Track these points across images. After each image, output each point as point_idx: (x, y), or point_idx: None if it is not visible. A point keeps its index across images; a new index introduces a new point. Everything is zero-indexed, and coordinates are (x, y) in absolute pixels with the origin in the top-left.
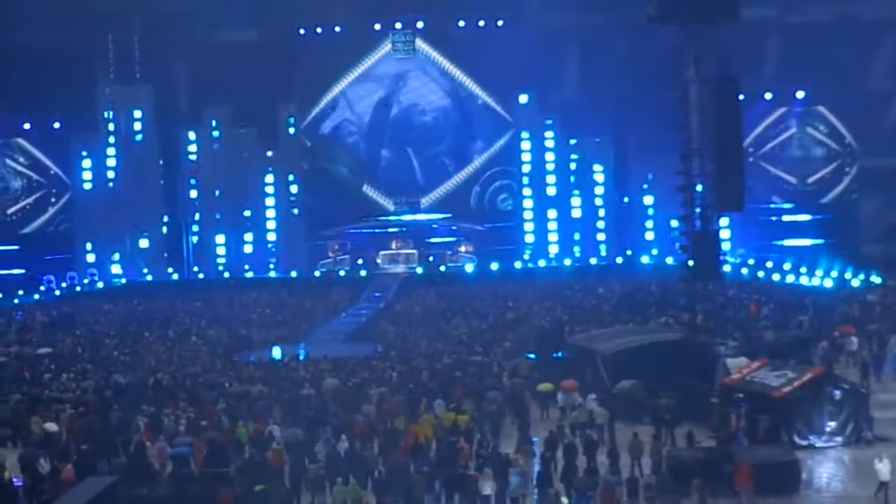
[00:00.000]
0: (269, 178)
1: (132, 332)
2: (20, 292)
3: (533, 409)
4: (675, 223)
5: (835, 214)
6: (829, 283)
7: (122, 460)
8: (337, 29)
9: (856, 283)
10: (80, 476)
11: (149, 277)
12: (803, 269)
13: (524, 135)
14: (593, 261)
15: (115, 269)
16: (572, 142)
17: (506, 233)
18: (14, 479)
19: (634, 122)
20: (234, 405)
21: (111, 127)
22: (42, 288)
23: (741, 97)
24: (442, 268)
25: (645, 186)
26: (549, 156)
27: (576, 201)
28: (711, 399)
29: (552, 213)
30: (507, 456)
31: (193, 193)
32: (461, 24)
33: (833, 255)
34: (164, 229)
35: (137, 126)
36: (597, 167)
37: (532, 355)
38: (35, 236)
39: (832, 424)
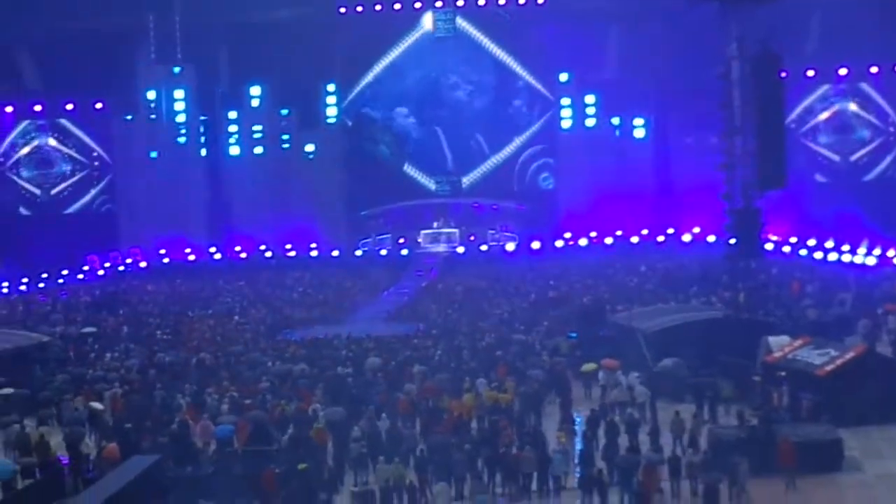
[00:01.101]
0: (310, 158)
1: (175, 311)
2: (64, 272)
3: (574, 387)
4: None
5: (877, 192)
6: (871, 261)
7: (165, 439)
8: (378, 7)
9: None
10: (124, 455)
11: (191, 257)
12: (846, 247)
13: (565, 113)
14: (635, 239)
15: (158, 249)
16: (614, 120)
17: (547, 211)
18: (60, 458)
19: (675, 100)
20: (277, 384)
21: (153, 107)
22: (85, 268)
23: (783, 74)
24: (483, 247)
25: (686, 164)
26: (590, 134)
27: (616, 179)
28: (754, 377)
29: (593, 192)
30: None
31: (235, 173)
32: (501, 2)
33: (876, 233)
34: (207, 209)
35: (179, 106)
36: (637, 145)
37: (573, 334)
38: (78, 217)
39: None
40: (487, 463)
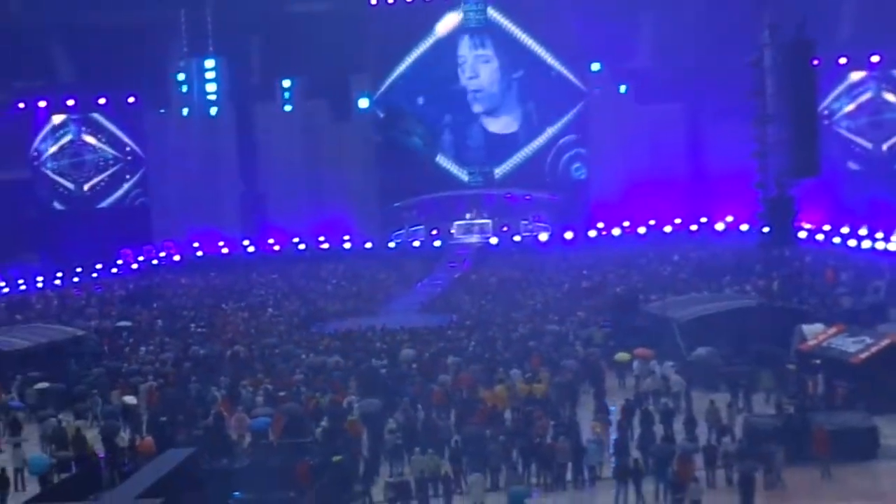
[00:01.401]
0: (343, 150)
1: (209, 304)
2: (98, 266)
3: (609, 377)
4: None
5: None
6: None
7: (200, 432)
8: None
9: None
10: (159, 448)
11: (225, 251)
12: (879, 235)
13: (597, 103)
14: (668, 229)
15: (192, 242)
16: (645, 109)
17: (580, 201)
18: (96, 451)
19: (708, 89)
20: (311, 376)
21: (185, 101)
22: (119, 262)
23: (815, 61)
24: (516, 237)
25: (719, 152)
26: (622, 123)
27: (649, 169)
28: (788, 366)
29: (626, 182)
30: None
31: (267, 165)
32: None
33: None
34: (240, 203)
35: (211, 99)
36: (670, 134)
37: (606, 324)
38: (111, 211)
39: None
40: (522, 453)
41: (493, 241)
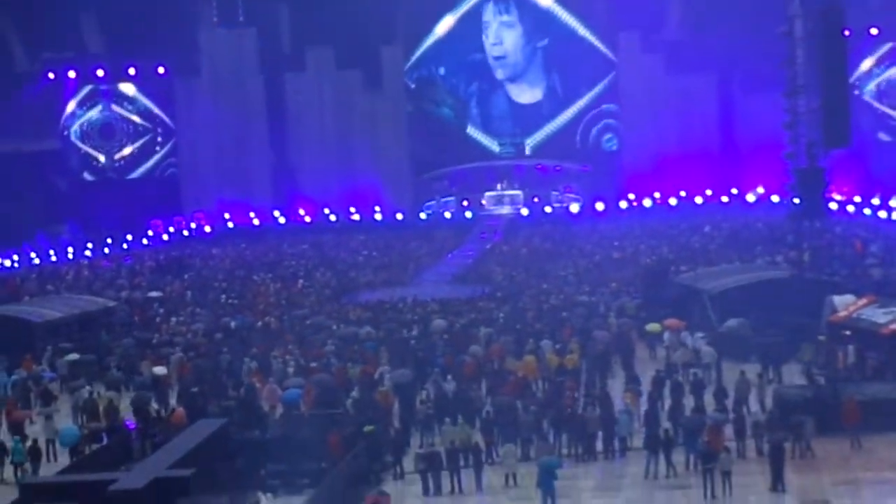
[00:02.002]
0: (374, 120)
1: (240, 276)
2: (128, 237)
3: (640, 348)
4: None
5: None
6: None
7: (232, 403)
8: None
9: None
10: (190, 419)
11: (256, 221)
12: None
13: (628, 73)
14: (699, 200)
15: (223, 213)
16: (676, 80)
17: (611, 172)
18: (127, 422)
19: (739, 59)
20: (342, 347)
21: (215, 70)
22: (150, 233)
23: (846, 32)
24: (547, 209)
25: (750, 123)
26: (653, 94)
27: (680, 140)
28: (819, 337)
29: (657, 153)
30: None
31: (298, 137)
32: None
33: None
34: (271, 173)
35: (242, 70)
36: (701, 105)
37: (637, 295)
38: (142, 181)
39: None
40: (553, 424)
41: (524, 212)
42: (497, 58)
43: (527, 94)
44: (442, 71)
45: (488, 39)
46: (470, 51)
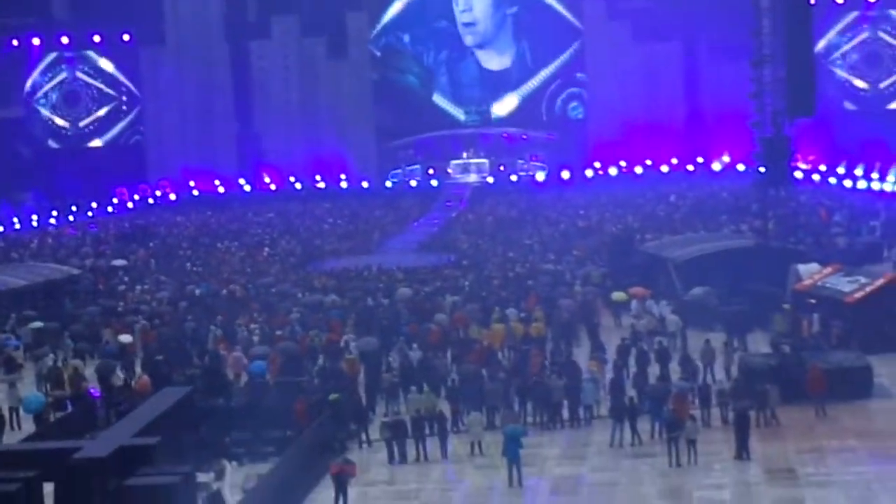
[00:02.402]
0: (339, 88)
1: (205, 244)
2: (93, 205)
3: (605, 317)
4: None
5: None
6: None
7: (197, 371)
8: None
9: None
10: (155, 387)
11: (221, 189)
12: (875, 175)
13: (594, 41)
14: (664, 168)
15: (188, 181)
16: (642, 48)
17: (577, 141)
18: (91, 390)
19: (705, 28)
20: (308, 315)
21: (180, 39)
22: (115, 201)
23: (812, 1)
24: (513, 177)
25: (716, 92)
26: (619, 62)
27: (646, 109)
28: (784, 305)
29: (623, 121)
30: (579, 364)
31: (263, 105)
32: None
33: None
34: (235, 141)
35: (207, 37)
36: (667, 74)
37: (603, 264)
38: (106, 149)
39: None
40: (518, 392)
41: (490, 180)
42: (466, 24)
43: (496, 61)
44: (407, 38)
45: (458, 6)
46: (436, 18)
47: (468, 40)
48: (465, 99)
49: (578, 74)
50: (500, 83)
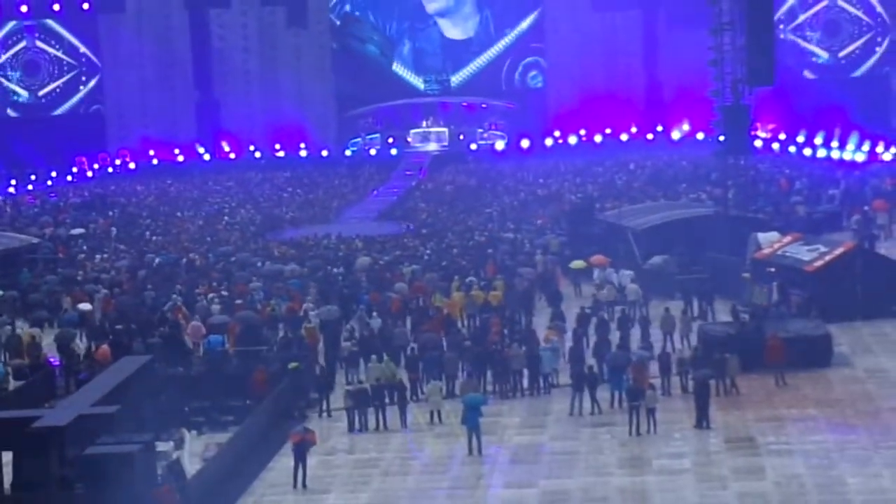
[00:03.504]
0: (299, 57)
1: (165, 212)
2: (52, 174)
3: (564, 286)
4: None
5: (866, 88)
6: (860, 158)
7: (156, 340)
8: None
9: (887, 156)
10: (115, 356)
11: (180, 158)
12: (835, 144)
13: (553, 10)
14: (624, 137)
15: (147, 150)
16: (602, 17)
17: (536, 110)
18: (50, 359)
19: None
20: (268, 284)
21: (139, 7)
22: (74, 170)
23: None
24: (473, 146)
25: (675, 61)
26: (579, 31)
27: (605, 77)
28: (743, 274)
29: (582, 90)
30: (539, 333)
31: (223, 73)
32: None
33: (864, 129)
34: (195, 109)
35: (167, 6)
36: (627, 42)
37: (562, 233)
38: (66, 118)
39: None
40: (477, 361)
41: (450, 149)
42: None
43: (458, 30)
44: (366, 7)
45: None
46: None
47: (430, 7)
48: (425, 68)
49: (521, 47)
50: (461, 52)
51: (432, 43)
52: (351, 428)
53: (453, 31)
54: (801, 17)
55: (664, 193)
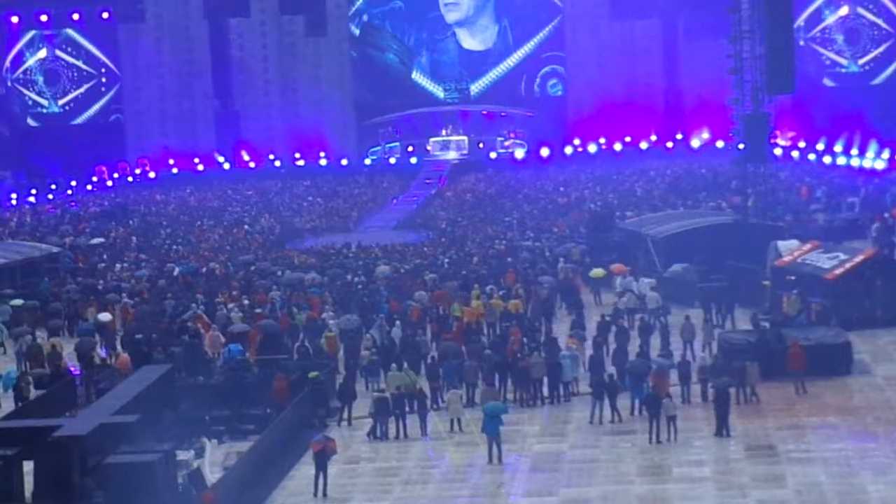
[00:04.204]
0: (318, 66)
1: (185, 221)
2: (72, 183)
3: (584, 294)
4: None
5: (885, 96)
6: (880, 165)
7: (176, 349)
8: None
9: None
10: (135, 365)
11: (200, 167)
12: (854, 152)
13: (573, 19)
14: (644, 145)
15: (167, 159)
16: (621, 26)
17: (556, 118)
18: (71, 368)
19: (683, 5)
20: (288, 293)
21: (159, 17)
22: (94, 179)
23: None
24: (492, 154)
25: (695, 69)
26: (598, 40)
27: (625, 85)
28: (763, 282)
29: (602, 98)
30: (559, 341)
31: (242, 82)
32: None
33: (884, 137)
34: (214, 118)
35: (186, 15)
36: (647, 50)
37: (582, 241)
38: (86, 127)
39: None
40: (498, 369)
41: (469, 157)
42: (448, 4)
43: (477, 41)
44: (385, 16)
45: None
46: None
47: (449, 17)
48: (444, 77)
49: (542, 55)
50: (480, 62)
51: (450, 53)
52: (372, 434)
53: (471, 41)
54: (822, 25)
55: (684, 202)
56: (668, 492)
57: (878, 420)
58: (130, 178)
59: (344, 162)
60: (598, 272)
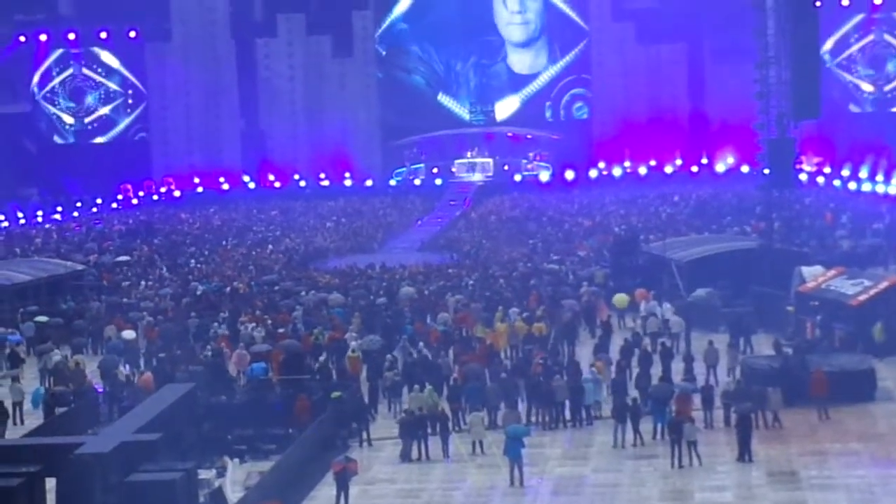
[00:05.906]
0: (344, 87)
1: (209, 240)
2: (98, 201)
3: (608, 317)
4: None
5: None
6: None
7: (200, 368)
8: None
9: None
10: (158, 383)
11: (225, 186)
12: (879, 178)
13: (599, 42)
14: (668, 169)
15: (192, 178)
16: (647, 50)
17: (581, 141)
18: (95, 386)
19: (709, 29)
20: (311, 313)
21: (186, 36)
22: (119, 197)
23: (818, 3)
24: (517, 176)
25: (720, 94)
26: (624, 63)
27: (651, 109)
28: (787, 307)
29: (627, 122)
30: (582, 364)
31: (268, 102)
32: None
33: None
34: (240, 138)
35: (213, 35)
36: (672, 75)
37: (606, 264)
38: (112, 145)
39: None
40: (520, 392)
41: (494, 179)
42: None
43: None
44: (412, 38)
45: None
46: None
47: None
48: (470, 99)
49: (567, 79)
50: (506, 84)
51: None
52: (408, 457)
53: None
54: (847, 51)
55: (708, 226)
56: None
57: None
58: (155, 197)
59: (369, 183)
60: (621, 300)
